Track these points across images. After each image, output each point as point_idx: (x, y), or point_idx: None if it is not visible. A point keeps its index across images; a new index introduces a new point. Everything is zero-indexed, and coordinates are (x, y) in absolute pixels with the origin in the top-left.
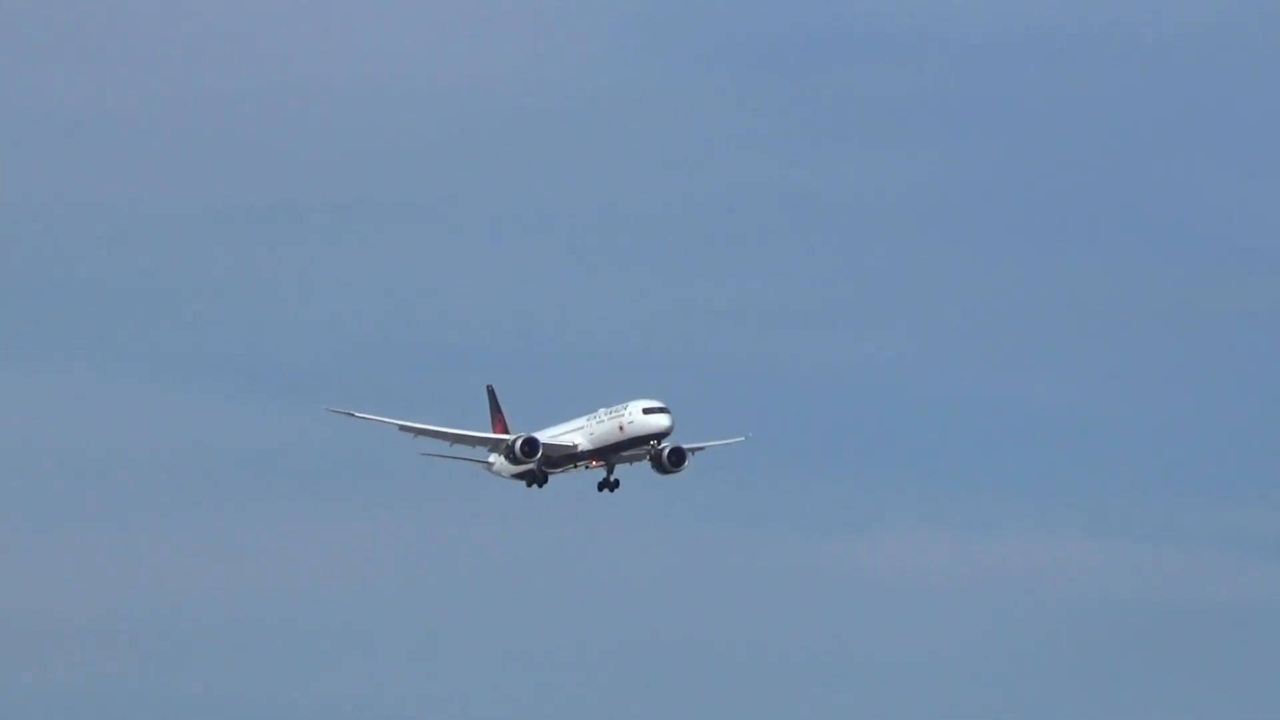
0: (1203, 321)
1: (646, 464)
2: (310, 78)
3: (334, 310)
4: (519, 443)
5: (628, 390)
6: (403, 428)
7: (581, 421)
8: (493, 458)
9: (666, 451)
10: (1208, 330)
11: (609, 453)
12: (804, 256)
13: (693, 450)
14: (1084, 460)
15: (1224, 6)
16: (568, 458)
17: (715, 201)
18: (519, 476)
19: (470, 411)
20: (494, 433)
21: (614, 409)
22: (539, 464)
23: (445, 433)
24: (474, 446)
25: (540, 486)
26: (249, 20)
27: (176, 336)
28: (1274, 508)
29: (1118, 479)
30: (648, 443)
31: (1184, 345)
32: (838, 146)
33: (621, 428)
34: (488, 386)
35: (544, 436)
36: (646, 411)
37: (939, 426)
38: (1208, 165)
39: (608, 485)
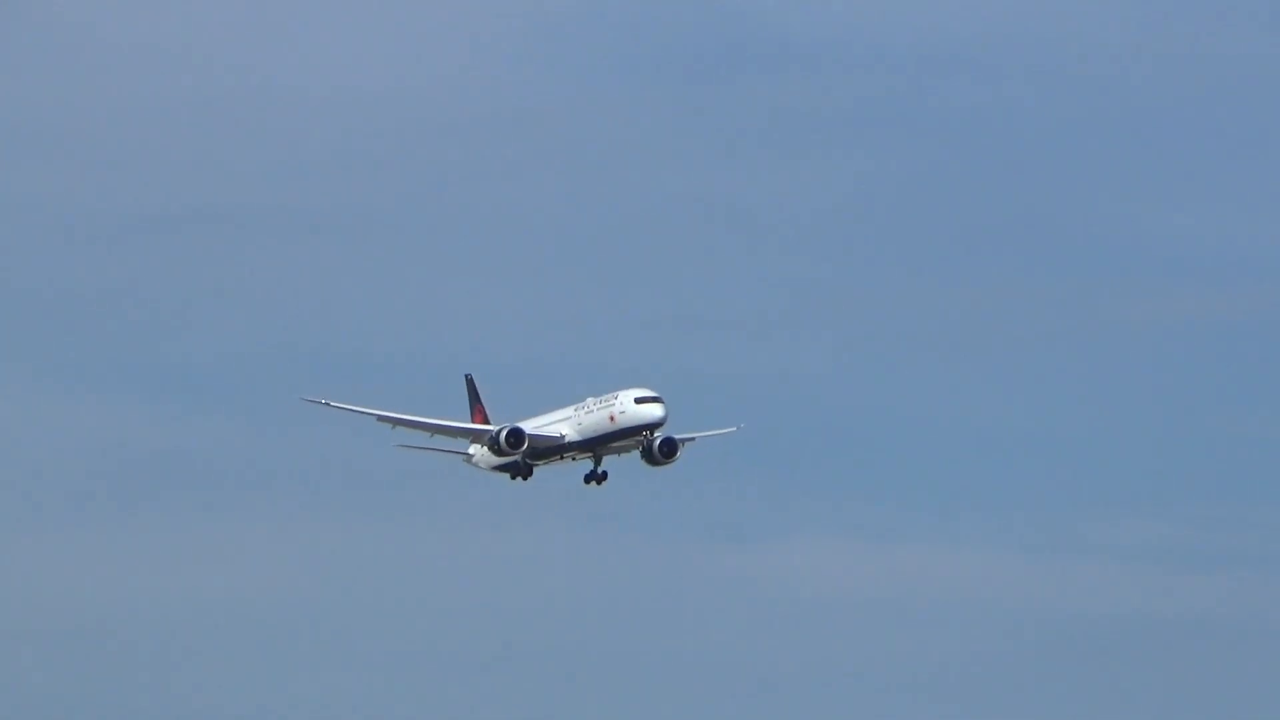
0: (1112, 334)
1: (635, 455)
2: (241, 86)
3: (267, 313)
4: (504, 434)
5: (528, 397)
6: (381, 418)
7: (568, 411)
8: (473, 449)
9: (658, 442)
10: (1117, 343)
11: (598, 444)
12: (718, 266)
13: (684, 441)
14: (1006, 473)
15: (1132, 26)
16: (554, 449)
17: (632, 210)
18: (501, 469)
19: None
20: (474, 423)
21: (604, 399)
22: (524, 456)
23: (426, 423)
24: (455, 438)
25: (525, 479)
26: (181, 28)
27: (113, 339)
28: (1177, 519)
29: (1037, 491)
30: (640, 434)
31: (1093, 358)
32: (752, 158)
33: (613, 418)
34: (466, 376)
35: (529, 427)
36: (639, 401)
37: (854, 437)
38: (1116, 179)
39: (595, 478)
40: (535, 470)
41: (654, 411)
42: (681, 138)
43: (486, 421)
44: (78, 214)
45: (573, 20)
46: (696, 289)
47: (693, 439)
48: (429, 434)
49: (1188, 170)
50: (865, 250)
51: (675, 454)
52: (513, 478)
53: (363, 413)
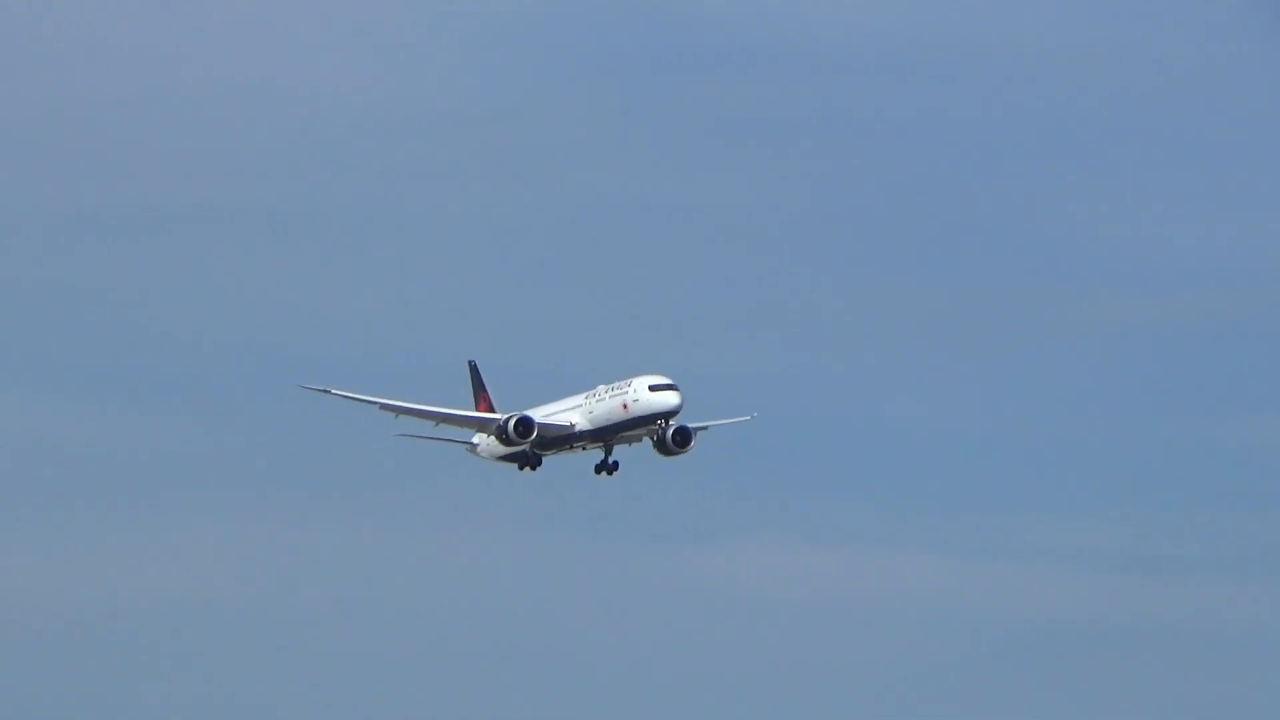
0: (1056, 337)
1: (647, 444)
2: (163, 83)
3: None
4: (512, 422)
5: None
6: (384, 406)
7: (578, 399)
8: (477, 439)
9: (671, 431)
10: (1078, 347)
11: (610, 433)
12: (664, 268)
13: (698, 430)
14: (966, 476)
15: (1077, 26)
16: (564, 438)
17: (575, 212)
18: (507, 459)
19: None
20: (479, 412)
21: (616, 386)
22: (532, 445)
23: (431, 412)
24: (461, 427)
25: (533, 470)
26: (109, 24)
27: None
28: (1120, 523)
29: (998, 494)
30: (654, 422)
31: (1054, 362)
32: (706, 160)
33: (625, 406)
34: (470, 363)
35: (538, 415)
36: (653, 389)
37: (810, 440)
38: (1063, 181)
39: (606, 468)
40: (544, 460)
41: (669, 399)
42: (635, 139)
43: (491, 410)
44: (69, 209)
45: (528, 22)
46: (651, 290)
47: (705, 428)
48: (433, 423)
49: (1153, 174)
50: (820, 253)
51: (689, 443)
52: (520, 468)
53: (365, 401)
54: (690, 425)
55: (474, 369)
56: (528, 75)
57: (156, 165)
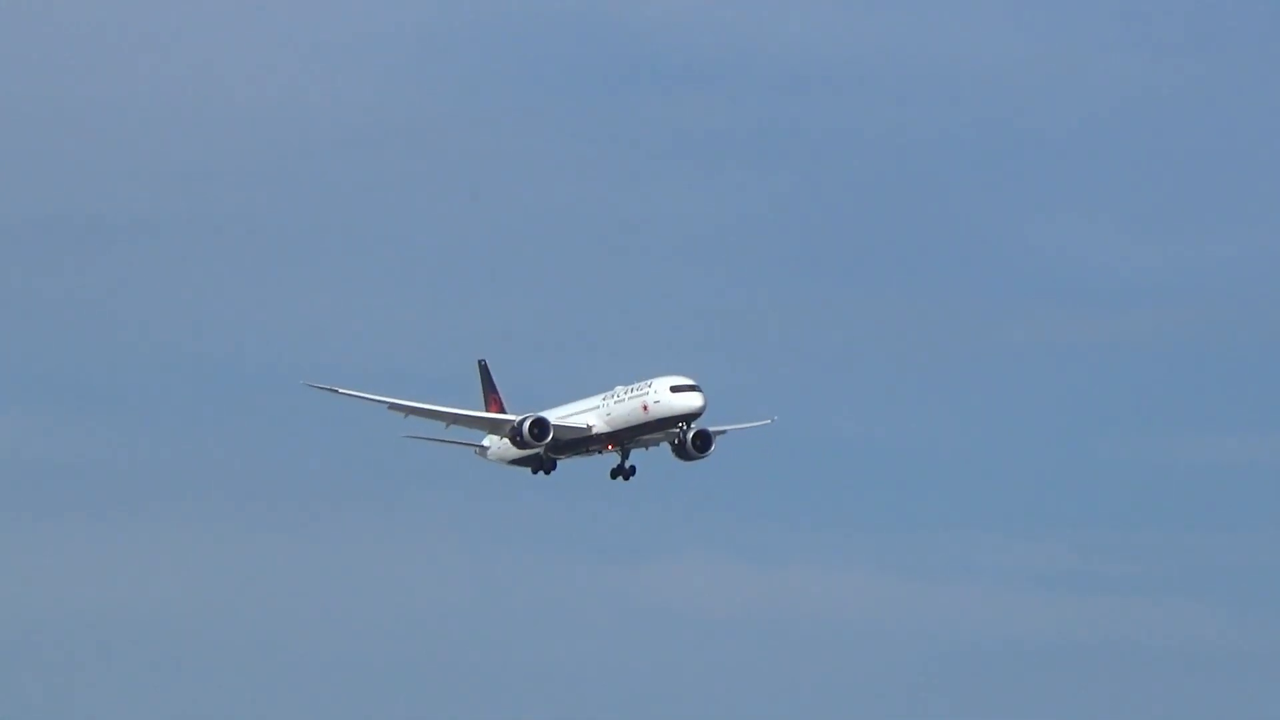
0: (1006, 354)
1: (665, 448)
2: (109, 93)
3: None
4: (527, 424)
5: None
6: (393, 406)
7: (595, 401)
8: (488, 441)
9: (691, 435)
10: (1012, 363)
11: (628, 436)
12: (613, 281)
13: (718, 433)
14: (891, 493)
15: (1030, 45)
16: (580, 441)
17: (524, 226)
18: (519, 462)
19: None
20: (489, 413)
21: (635, 387)
22: (547, 448)
23: (443, 412)
24: (472, 428)
25: (547, 474)
26: (63, 31)
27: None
28: (1070, 544)
29: (919, 512)
30: (675, 425)
31: (987, 377)
32: (648, 175)
33: (645, 408)
34: (480, 362)
35: (553, 417)
36: (675, 390)
37: (740, 455)
38: (1016, 198)
39: (622, 473)
40: (559, 464)
41: (691, 401)
42: (580, 153)
43: (501, 411)
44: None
45: (475, 37)
46: (593, 303)
47: (724, 432)
48: (445, 424)
49: (1105, 192)
50: (773, 267)
51: (710, 448)
52: (534, 472)
53: (374, 400)
54: (711, 429)
55: (484, 369)
56: (488, 88)
57: (135, 173)
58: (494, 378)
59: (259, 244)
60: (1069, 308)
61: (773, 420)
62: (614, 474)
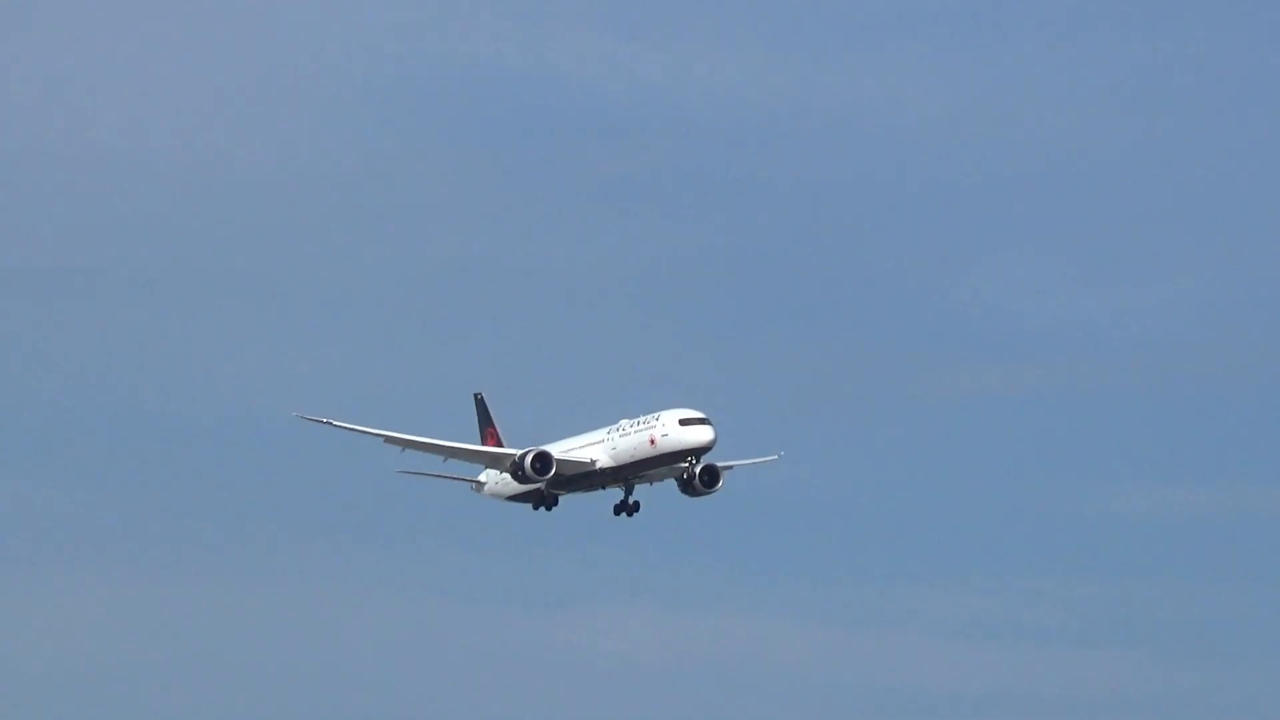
0: (938, 405)
1: (671, 483)
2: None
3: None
4: (530, 458)
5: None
6: (389, 439)
7: (600, 434)
8: (484, 476)
9: (699, 470)
10: (944, 413)
11: (633, 470)
12: (523, 330)
13: (725, 469)
14: (825, 543)
15: (946, 96)
16: (583, 476)
17: (434, 274)
18: (519, 498)
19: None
20: (489, 446)
21: (642, 420)
22: (549, 484)
23: (441, 446)
24: (472, 462)
25: (548, 510)
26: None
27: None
28: (976, 591)
29: (859, 562)
30: (684, 459)
31: (900, 426)
32: (560, 222)
33: (653, 441)
34: (476, 395)
35: (557, 451)
36: (684, 423)
37: (665, 505)
38: (945, 247)
39: (626, 509)
40: (560, 501)
41: (701, 435)
42: (500, 201)
43: (499, 444)
44: None
45: (397, 86)
46: (504, 351)
47: (730, 467)
48: (442, 458)
49: (1020, 243)
50: (683, 319)
51: (717, 484)
52: (535, 508)
53: (369, 433)
54: (718, 464)
55: (480, 402)
56: (395, 138)
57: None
58: (491, 411)
59: (187, 292)
60: (1001, 358)
61: (780, 455)
62: (617, 510)
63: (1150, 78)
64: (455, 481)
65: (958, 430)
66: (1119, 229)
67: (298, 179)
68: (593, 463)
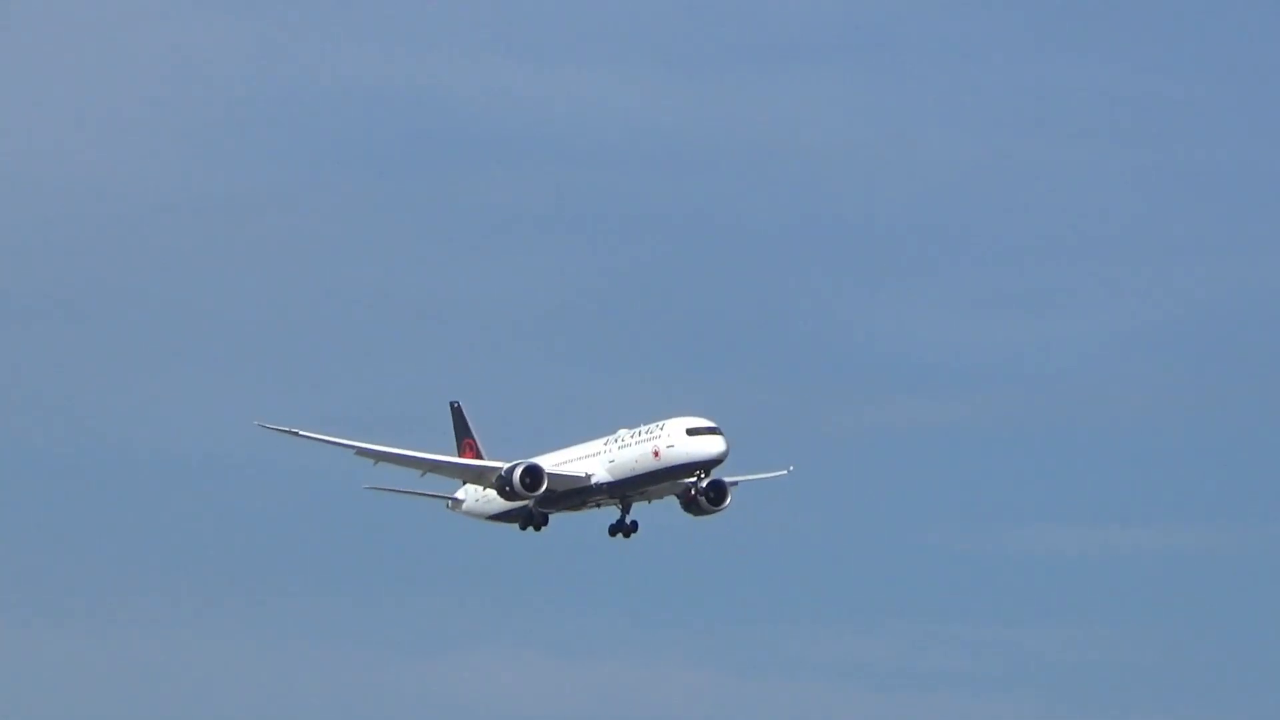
0: (838, 441)
1: (673, 499)
2: None
3: None
4: (518, 473)
5: None
6: (361, 451)
7: (596, 446)
8: (462, 493)
9: (705, 486)
10: (843, 449)
11: (633, 486)
12: (417, 362)
13: (732, 485)
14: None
15: (861, 123)
16: (577, 492)
17: (319, 305)
18: (502, 517)
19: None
20: (467, 458)
21: (643, 430)
22: (538, 501)
23: (418, 458)
24: (452, 477)
25: (537, 529)
26: None
27: None
28: (888, 636)
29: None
30: (690, 474)
31: (818, 463)
32: (450, 252)
33: (657, 453)
34: (453, 404)
35: (548, 464)
36: (692, 432)
37: (581, 543)
38: (845, 280)
39: (623, 529)
40: (550, 519)
41: (711, 446)
42: (397, 230)
43: (477, 456)
44: None
45: (273, 112)
46: (394, 384)
47: (736, 483)
48: (420, 472)
49: (937, 273)
50: (579, 349)
51: (725, 501)
52: (522, 527)
53: (338, 444)
54: (725, 480)
55: (457, 411)
56: (284, 165)
57: None
58: (469, 421)
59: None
60: (901, 390)
61: (789, 470)
62: (613, 530)
63: (1054, 102)
64: (430, 499)
65: (860, 464)
66: (1024, 258)
67: (176, 206)
68: (588, 477)
